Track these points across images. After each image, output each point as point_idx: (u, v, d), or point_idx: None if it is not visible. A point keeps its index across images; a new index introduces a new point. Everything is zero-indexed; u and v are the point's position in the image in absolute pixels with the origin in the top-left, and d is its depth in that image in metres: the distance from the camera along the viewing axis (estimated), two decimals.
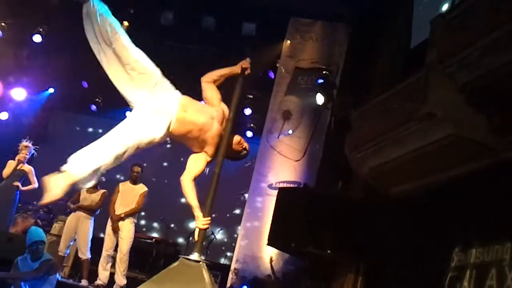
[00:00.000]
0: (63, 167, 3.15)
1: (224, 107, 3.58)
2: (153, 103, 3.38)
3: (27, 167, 7.37)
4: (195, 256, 3.22)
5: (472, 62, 3.10)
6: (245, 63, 3.73)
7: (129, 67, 3.45)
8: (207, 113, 3.48)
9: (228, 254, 9.95)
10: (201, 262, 3.19)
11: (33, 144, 7.53)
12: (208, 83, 3.65)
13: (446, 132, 3.31)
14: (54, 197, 3.19)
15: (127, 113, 3.71)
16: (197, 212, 3.35)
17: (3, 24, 9.74)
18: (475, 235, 3.47)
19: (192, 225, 9.96)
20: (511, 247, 3.12)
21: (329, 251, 4.95)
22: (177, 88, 3.57)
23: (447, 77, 3.24)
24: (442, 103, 3.25)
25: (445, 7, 4.57)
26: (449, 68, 3.24)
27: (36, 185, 7.42)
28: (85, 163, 3.20)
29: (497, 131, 3.32)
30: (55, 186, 3.15)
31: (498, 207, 3.34)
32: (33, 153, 7.55)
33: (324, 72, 7.73)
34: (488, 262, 3.27)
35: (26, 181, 7.35)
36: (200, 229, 3.37)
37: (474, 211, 3.59)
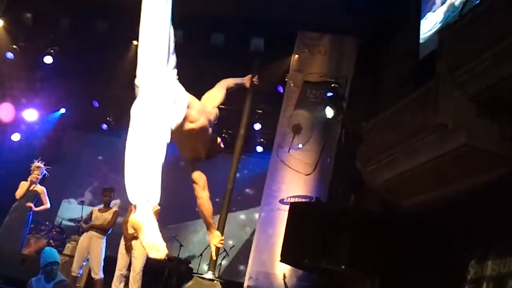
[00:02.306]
0: (139, 205, 2.47)
1: (217, 112, 3.39)
2: (167, 90, 2.91)
3: (39, 188, 7.42)
4: (209, 274, 3.19)
5: (482, 71, 3.07)
6: (254, 78, 3.74)
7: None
8: (205, 115, 3.21)
9: (241, 270, 9.88)
10: (215, 281, 3.16)
11: (45, 165, 7.59)
12: (222, 87, 3.57)
13: (459, 142, 3.27)
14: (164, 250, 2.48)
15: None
16: (214, 229, 3.32)
17: (14, 46, 9.90)
18: (491, 246, 3.40)
19: (202, 242, 9.92)
20: None
21: (343, 266, 4.89)
22: None
23: (458, 87, 3.21)
24: (453, 114, 3.22)
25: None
26: (459, 78, 3.21)
27: (48, 205, 7.46)
28: (154, 185, 2.56)
29: (509, 141, 3.28)
30: (155, 233, 2.46)
31: None
32: (45, 174, 7.61)
33: (333, 85, 7.72)
34: (505, 273, 3.20)
35: (38, 201, 7.39)
36: (216, 247, 3.35)
37: (489, 222, 3.53)
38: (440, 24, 5.60)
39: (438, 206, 4.13)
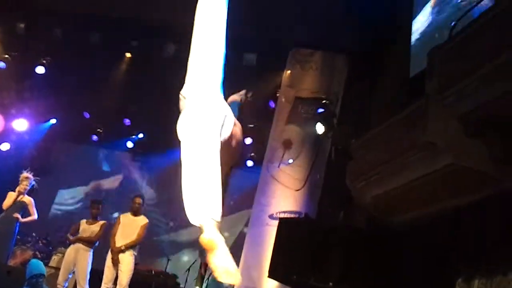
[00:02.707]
0: (202, 224, 2.29)
1: None
2: (218, 104, 2.78)
3: (27, 199, 7.34)
4: None
5: (470, 91, 3.10)
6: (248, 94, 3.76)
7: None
8: (242, 133, 3.13)
9: (226, 286, 9.81)
10: None
11: (34, 175, 7.51)
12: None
13: (447, 161, 3.30)
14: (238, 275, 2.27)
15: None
16: None
17: (6, 56, 9.88)
18: (478, 265, 3.42)
19: (190, 257, 9.87)
20: None
21: (331, 284, 4.87)
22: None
23: (447, 107, 3.25)
24: (441, 133, 3.25)
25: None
26: (448, 98, 3.25)
27: (35, 216, 7.37)
28: (216, 202, 2.40)
29: (498, 161, 3.31)
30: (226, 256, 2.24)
31: (501, 237, 3.30)
32: (34, 185, 7.53)
33: (324, 101, 7.76)
34: None
35: (26, 212, 7.31)
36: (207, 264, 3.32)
37: (477, 241, 3.55)
38: (431, 17, 5.65)
39: (427, 224, 4.15)
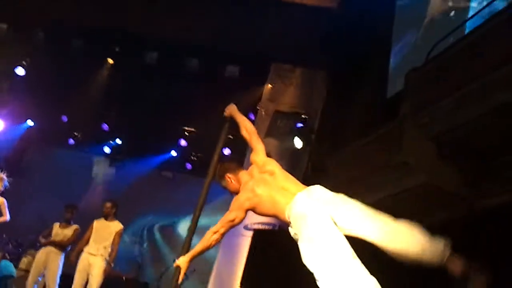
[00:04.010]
0: None
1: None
2: None
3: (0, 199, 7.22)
4: None
5: (444, 114, 3.22)
6: (229, 108, 3.84)
7: None
8: None
9: None
10: None
11: (7, 176, 7.40)
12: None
13: (419, 181, 3.40)
14: None
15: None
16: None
17: None
18: (449, 285, 3.50)
19: (163, 262, 9.82)
20: None
21: None
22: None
23: (421, 128, 3.36)
24: (415, 153, 3.36)
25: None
26: (422, 120, 3.37)
27: (7, 217, 7.24)
28: None
29: (469, 181, 3.42)
30: None
31: (471, 257, 3.40)
32: (7, 185, 7.42)
33: (303, 116, 7.86)
34: None
35: None
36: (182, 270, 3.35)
37: None
38: (415, 40, 5.78)
39: None
